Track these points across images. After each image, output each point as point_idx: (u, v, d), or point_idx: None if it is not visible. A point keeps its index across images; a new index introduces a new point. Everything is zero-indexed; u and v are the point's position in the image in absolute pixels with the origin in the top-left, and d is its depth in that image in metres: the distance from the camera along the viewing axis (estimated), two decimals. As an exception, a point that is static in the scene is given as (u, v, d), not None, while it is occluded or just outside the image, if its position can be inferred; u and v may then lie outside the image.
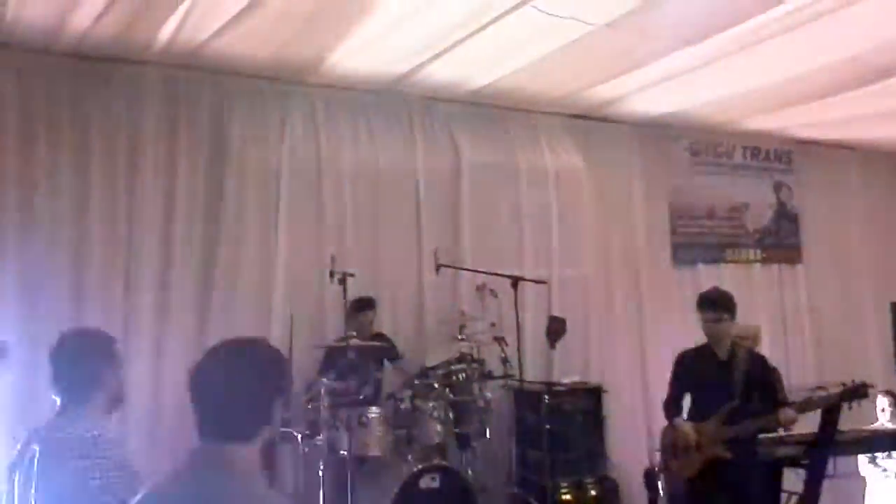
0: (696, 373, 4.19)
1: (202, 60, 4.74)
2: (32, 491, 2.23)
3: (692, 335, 4.39)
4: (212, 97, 4.97)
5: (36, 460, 2.24)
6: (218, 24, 4.21)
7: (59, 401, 2.38)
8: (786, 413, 3.94)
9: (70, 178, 4.53)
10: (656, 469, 5.01)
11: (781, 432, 4.61)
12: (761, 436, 4.21)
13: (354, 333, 4.53)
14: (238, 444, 1.61)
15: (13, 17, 4.06)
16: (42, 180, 4.45)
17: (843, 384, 3.96)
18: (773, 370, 5.22)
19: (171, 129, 4.83)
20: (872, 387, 3.85)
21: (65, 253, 4.48)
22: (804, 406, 4.08)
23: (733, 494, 3.87)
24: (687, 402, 4.27)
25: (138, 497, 1.81)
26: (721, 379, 4.06)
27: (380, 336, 5.08)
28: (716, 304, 4.13)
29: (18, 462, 2.34)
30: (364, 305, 4.98)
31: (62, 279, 4.45)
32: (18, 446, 2.41)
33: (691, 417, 4.16)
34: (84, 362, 2.37)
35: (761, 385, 4.08)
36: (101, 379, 2.38)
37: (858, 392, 3.85)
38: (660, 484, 4.98)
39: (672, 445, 4.20)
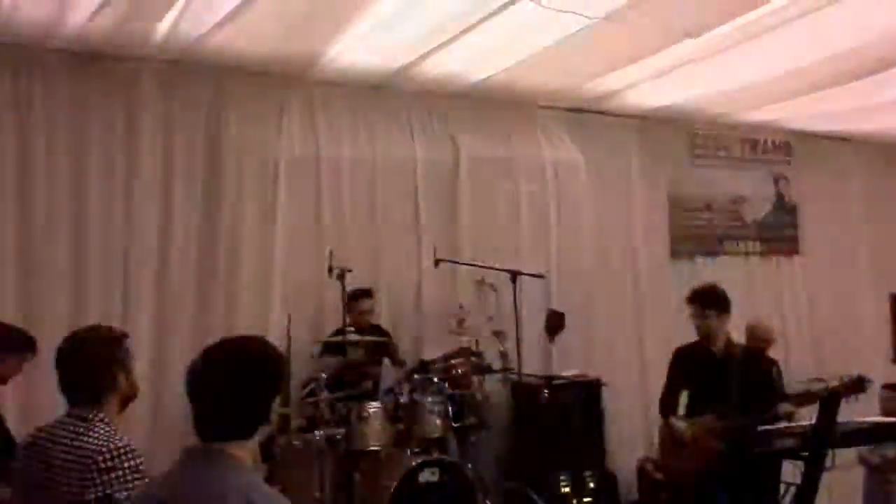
0: (691, 369, 4.20)
1: (199, 56, 4.72)
2: None
3: (691, 328, 4.39)
4: (209, 93, 4.95)
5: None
6: (215, 19, 4.19)
7: (67, 401, 2.25)
8: (784, 407, 3.95)
9: (67, 175, 4.52)
10: (645, 468, 5.06)
11: (781, 424, 4.62)
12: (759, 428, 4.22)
13: (353, 328, 4.53)
14: (235, 442, 1.62)
15: (9, 13, 4.04)
16: (40, 177, 4.44)
17: (842, 377, 3.96)
18: (774, 363, 5.25)
19: (168, 125, 4.81)
20: (871, 381, 3.84)
21: (63, 250, 4.48)
22: (802, 400, 4.09)
23: (733, 489, 3.87)
24: (684, 398, 4.28)
25: (138, 494, 1.82)
26: (716, 375, 4.06)
27: (377, 329, 5.07)
28: (700, 299, 4.15)
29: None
30: (360, 294, 4.96)
31: (59, 276, 4.45)
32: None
33: (688, 413, 4.17)
34: (97, 362, 2.23)
35: (758, 380, 4.08)
36: (115, 379, 2.25)
37: (857, 386, 3.86)
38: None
39: (669, 442, 4.21)
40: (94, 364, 2.22)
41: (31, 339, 3.44)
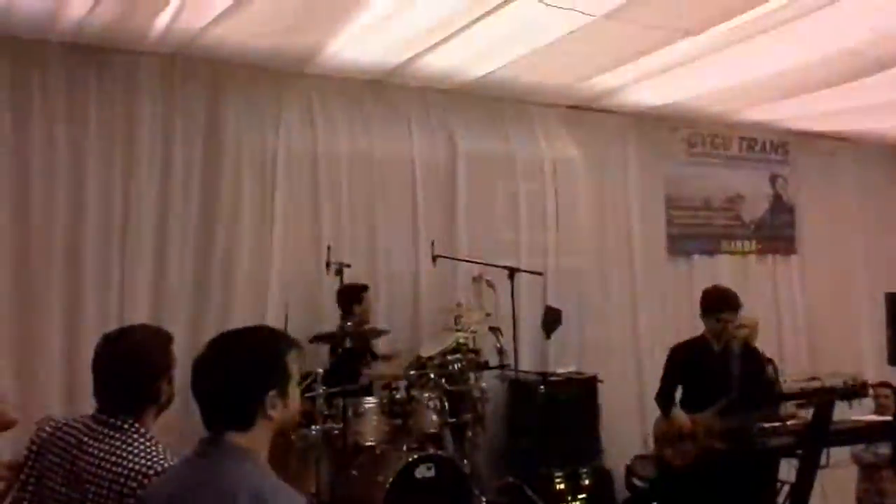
0: (690, 365, 4.21)
1: (198, 50, 4.71)
2: None
3: (687, 325, 4.41)
4: (207, 87, 4.94)
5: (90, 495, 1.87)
6: (214, 13, 4.18)
7: (99, 405, 2.02)
8: (787, 409, 3.96)
9: (65, 168, 4.51)
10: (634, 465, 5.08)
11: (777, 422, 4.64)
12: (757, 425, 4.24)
13: (350, 324, 4.54)
14: (236, 432, 1.63)
15: (8, 6, 4.03)
16: (37, 170, 4.43)
17: (845, 381, 3.92)
18: (769, 361, 5.26)
19: (166, 119, 4.80)
20: (871, 386, 3.85)
21: (59, 243, 4.47)
22: (803, 401, 4.13)
23: (729, 486, 3.89)
24: (679, 394, 4.29)
25: (150, 485, 1.83)
26: (717, 371, 4.08)
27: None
28: (733, 303, 4.15)
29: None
30: (354, 290, 4.90)
31: (56, 270, 4.44)
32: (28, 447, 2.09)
33: (684, 409, 4.19)
34: (145, 370, 1.99)
35: (757, 378, 4.10)
36: (155, 387, 2.01)
37: (857, 391, 3.85)
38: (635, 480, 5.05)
39: (666, 435, 4.22)
40: (139, 372, 1.99)
41: None
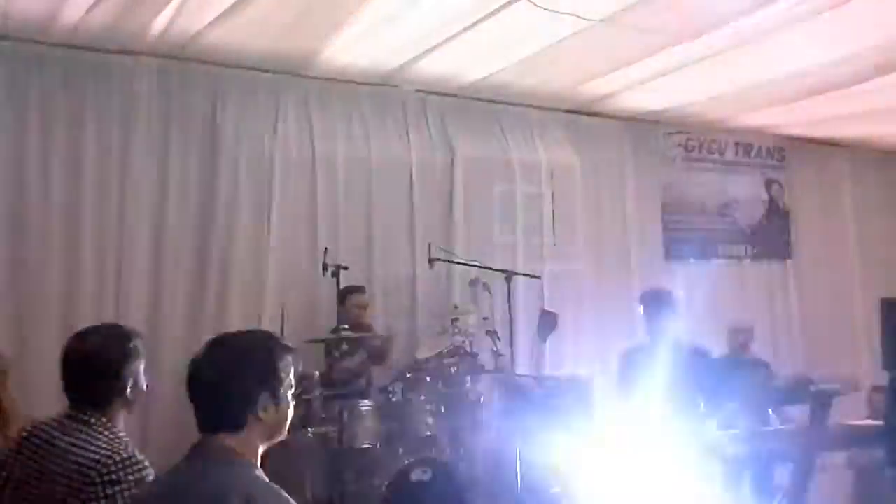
0: (639, 368, 4.23)
1: (196, 52, 4.72)
2: None
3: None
4: (205, 89, 4.95)
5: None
6: (212, 15, 4.19)
7: (70, 401, 2.09)
8: (730, 408, 3.97)
9: (62, 170, 4.51)
10: None
11: (772, 426, 4.65)
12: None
13: (347, 326, 4.54)
14: (228, 434, 1.64)
15: (5, 8, 4.03)
16: (34, 171, 4.43)
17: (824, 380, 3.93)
18: (765, 364, 5.28)
19: (164, 121, 4.81)
20: (843, 393, 3.85)
21: (56, 244, 4.46)
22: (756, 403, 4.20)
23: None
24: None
25: (143, 489, 1.84)
26: (664, 373, 4.09)
27: (371, 328, 5.07)
28: (653, 303, 4.19)
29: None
30: (352, 290, 4.93)
31: (53, 271, 4.44)
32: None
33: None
34: (108, 364, 2.07)
35: (706, 379, 4.11)
36: (124, 382, 2.08)
37: (827, 396, 3.87)
38: None
39: None
40: (104, 368, 2.07)
41: None
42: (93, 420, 2.03)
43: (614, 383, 4.40)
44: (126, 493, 1.90)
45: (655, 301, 4.23)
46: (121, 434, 2.05)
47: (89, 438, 1.99)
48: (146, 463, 1.99)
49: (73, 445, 1.98)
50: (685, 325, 4.41)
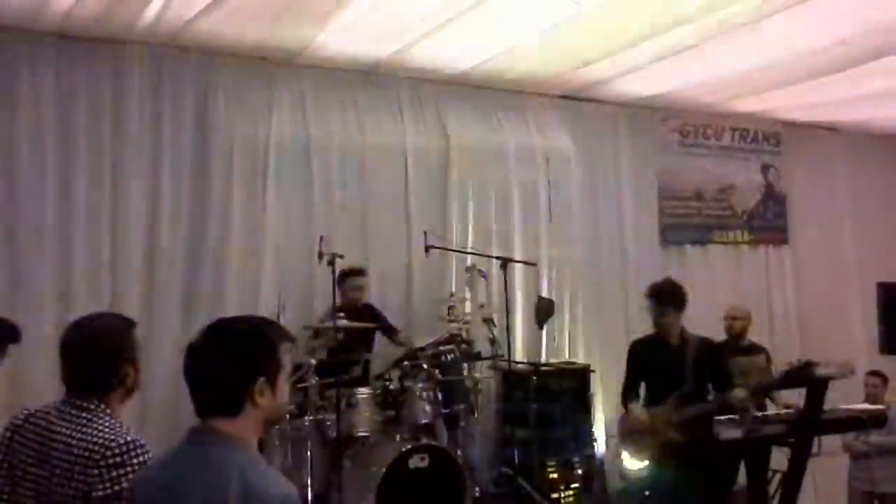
0: (648, 360, 4.24)
1: (188, 40, 4.69)
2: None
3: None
4: (197, 77, 4.91)
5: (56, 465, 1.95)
6: (204, 2, 4.16)
7: (68, 390, 2.09)
8: (736, 395, 3.98)
9: (54, 158, 4.48)
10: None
11: (773, 411, 4.67)
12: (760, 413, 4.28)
13: (342, 312, 4.52)
14: (223, 418, 1.63)
15: (-5, -5, 4.01)
16: (26, 160, 4.40)
17: (807, 362, 3.92)
18: (763, 350, 5.29)
19: (156, 110, 4.78)
20: (816, 364, 3.86)
21: (49, 233, 4.45)
22: (756, 389, 4.21)
23: (692, 475, 3.90)
24: (644, 389, 4.31)
25: (138, 477, 1.83)
26: (672, 364, 4.10)
27: (368, 308, 5.07)
28: (660, 297, 4.20)
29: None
30: (351, 272, 4.91)
31: (46, 259, 4.42)
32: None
33: (647, 403, 4.21)
34: (107, 353, 2.08)
35: (713, 369, 4.12)
36: (124, 371, 2.10)
37: (802, 373, 3.87)
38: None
39: (628, 431, 4.26)
40: (103, 355, 2.08)
41: (14, 328, 3.34)
42: (92, 406, 2.04)
43: (622, 374, 4.39)
44: (131, 477, 1.90)
45: (663, 294, 4.21)
46: (121, 423, 2.05)
47: (90, 424, 2.00)
48: (148, 447, 1.99)
49: (75, 430, 1.99)
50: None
